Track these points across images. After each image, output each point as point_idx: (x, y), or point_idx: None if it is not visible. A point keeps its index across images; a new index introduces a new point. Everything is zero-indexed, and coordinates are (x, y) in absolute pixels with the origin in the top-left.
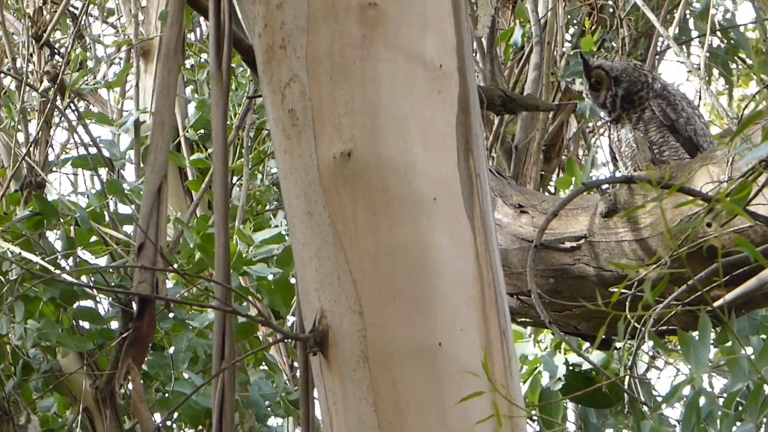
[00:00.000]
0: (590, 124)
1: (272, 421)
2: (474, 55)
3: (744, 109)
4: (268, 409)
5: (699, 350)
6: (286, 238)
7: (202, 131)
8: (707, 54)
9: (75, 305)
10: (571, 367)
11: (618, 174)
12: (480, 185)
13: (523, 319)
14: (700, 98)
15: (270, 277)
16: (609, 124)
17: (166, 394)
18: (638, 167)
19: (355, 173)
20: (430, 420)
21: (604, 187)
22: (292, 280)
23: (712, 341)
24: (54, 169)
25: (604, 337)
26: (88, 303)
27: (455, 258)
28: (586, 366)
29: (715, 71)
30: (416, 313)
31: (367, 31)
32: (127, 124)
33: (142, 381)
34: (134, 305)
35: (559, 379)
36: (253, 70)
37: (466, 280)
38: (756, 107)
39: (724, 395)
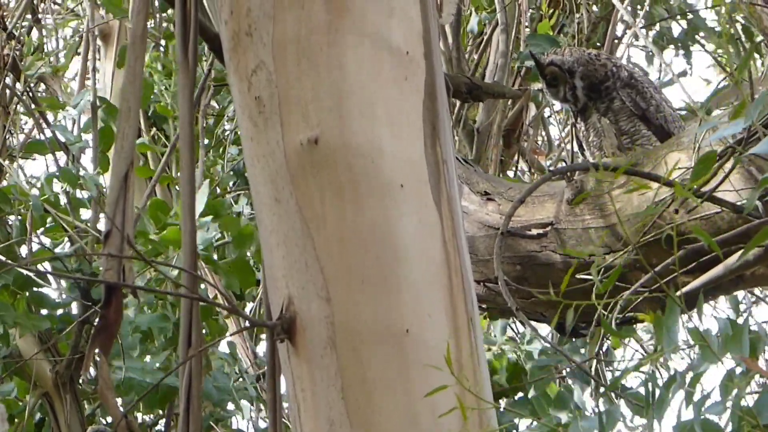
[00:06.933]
0: (547, 110)
1: (232, 406)
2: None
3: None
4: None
5: (671, 330)
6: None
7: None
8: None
9: (30, 291)
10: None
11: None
12: (447, 171)
13: (489, 307)
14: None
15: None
16: (576, 114)
17: (121, 378)
18: (605, 154)
19: (322, 159)
20: (399, 405)
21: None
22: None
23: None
24: (15, 155)
25: (573, 325)
26: (44, 289)
27: (422, 244)
28: None
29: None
30: (384, 298)
31: (334, 17)
32: (79, 106)
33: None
34: (92, 291)
35: None
36: (219, 59)
37: (434, 266)
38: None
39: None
